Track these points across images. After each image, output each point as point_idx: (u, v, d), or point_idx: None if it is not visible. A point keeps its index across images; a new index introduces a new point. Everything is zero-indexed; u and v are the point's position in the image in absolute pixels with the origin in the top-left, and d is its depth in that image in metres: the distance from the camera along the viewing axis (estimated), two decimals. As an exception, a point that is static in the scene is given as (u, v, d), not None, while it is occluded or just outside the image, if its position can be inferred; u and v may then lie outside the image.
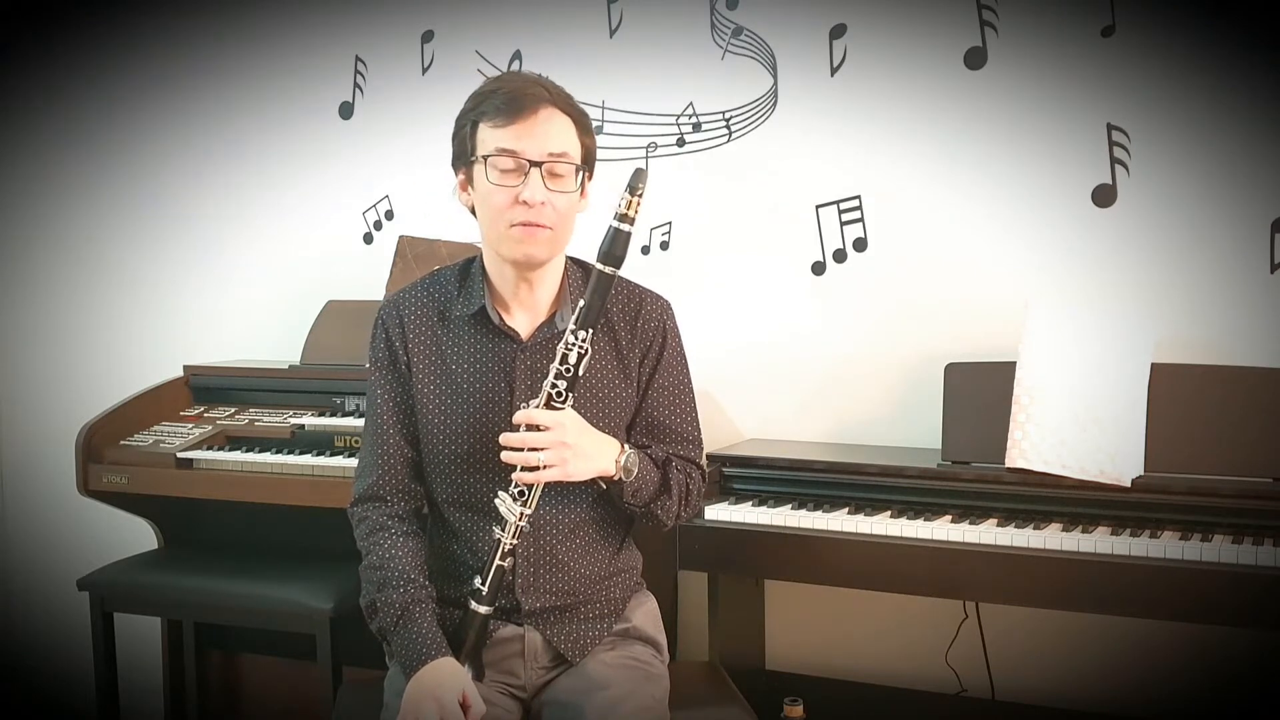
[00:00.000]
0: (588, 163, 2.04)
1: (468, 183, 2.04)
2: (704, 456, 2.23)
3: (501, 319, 2.07)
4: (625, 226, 1.94)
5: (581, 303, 1.97)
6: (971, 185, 2.81)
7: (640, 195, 1.94)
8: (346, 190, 3.50)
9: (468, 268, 2.13)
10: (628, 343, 2.12)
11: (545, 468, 1.93)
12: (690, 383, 2.20)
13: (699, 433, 2.20)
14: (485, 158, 1.97)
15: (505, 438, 1.96)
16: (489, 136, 1.97)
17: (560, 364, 1.95)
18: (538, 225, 1.96)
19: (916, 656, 2.90)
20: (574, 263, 2.15)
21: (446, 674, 1.90)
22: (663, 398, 2.15)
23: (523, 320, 2.09)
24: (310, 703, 3.07)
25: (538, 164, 1.95)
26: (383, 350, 2.12)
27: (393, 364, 2.10)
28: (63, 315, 3.95)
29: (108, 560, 3.10)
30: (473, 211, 2.07)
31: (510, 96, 1.97)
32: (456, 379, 2.07)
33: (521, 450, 1.94)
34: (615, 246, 1.95)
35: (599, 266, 1.96)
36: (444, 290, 2.12)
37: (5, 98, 3.95)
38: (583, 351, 1.95)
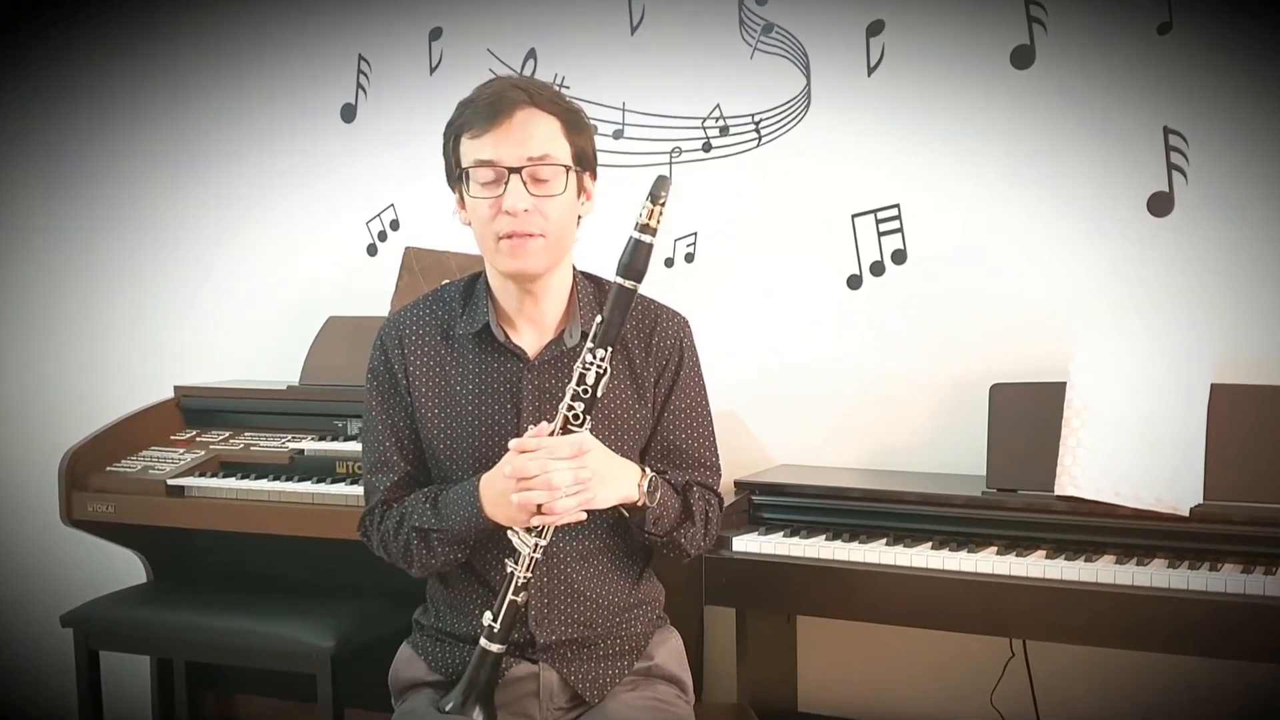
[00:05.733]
0: (581, 162, 2.05)
1: (461, 200, 2.07)
2: (720, 484, 2.23)
3: (507, 336, 2.09)
4: (646, 237, 1.93)
5: (599, 319, 1.96)
6: (1018, 193, 2.83)
7: (663, 204, 1.93)
8: (349, 198, 3.54)
9: (473, 283, 2.16)
10: (642, 361, 2.13)
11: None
12: (708, 405, 2.21)
13: (718, 459, 2.21)
14: (467, 170, 2.01)
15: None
16: (469, 149, 2.01)
17: (577, 384, 1.95)
18: (526, 235, 1.98)
19: (959, 698, 2.91)
20: (584, 276, 2.17)
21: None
22: (679, 420, 2.16)
23: (529, 338, 2.10)
24: (310, 746, 3.09)
25: (516, 170, 1.97)
26: (382, 372, 2.14)
27: (393, 387, 2.12)
28: (44, 330, 3.99)
29: (93, 595, 3.12)
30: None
31: (487, 103, 1.99)
32: (460, 400, 2.09)
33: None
34: (636, 259, 1.94)
35: (619, 280, 1.95)
36: (447, 307, 2.15)
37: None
38: (601, 371, 1.94)
